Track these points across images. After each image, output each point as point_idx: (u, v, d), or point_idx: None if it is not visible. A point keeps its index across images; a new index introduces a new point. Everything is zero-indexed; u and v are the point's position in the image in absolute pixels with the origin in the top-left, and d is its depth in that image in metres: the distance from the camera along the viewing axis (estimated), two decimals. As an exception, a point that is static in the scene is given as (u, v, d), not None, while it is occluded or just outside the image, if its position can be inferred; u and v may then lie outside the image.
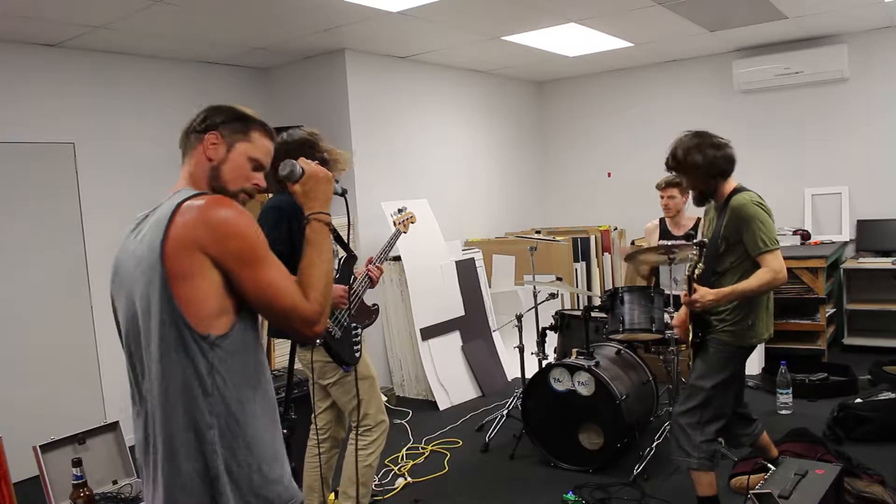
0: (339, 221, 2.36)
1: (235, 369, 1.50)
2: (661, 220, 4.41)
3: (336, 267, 2.57)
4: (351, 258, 2.17)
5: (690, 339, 2.89)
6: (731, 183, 2.87)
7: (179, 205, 1.47)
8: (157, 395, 1.48)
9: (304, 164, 1.69)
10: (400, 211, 3.40)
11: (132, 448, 2.94)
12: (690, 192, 2.96)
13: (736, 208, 2.77)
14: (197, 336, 1.44)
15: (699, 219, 3.99)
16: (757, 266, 2.74)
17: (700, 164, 2.80)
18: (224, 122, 1.62)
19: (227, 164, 1.60)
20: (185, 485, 1.47)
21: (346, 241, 1.95)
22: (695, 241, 2.83)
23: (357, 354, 2.86)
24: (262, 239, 1.50)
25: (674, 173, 2.99)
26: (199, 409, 1.46)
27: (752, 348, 2.90)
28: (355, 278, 2.95)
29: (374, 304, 3.16)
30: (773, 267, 2.70)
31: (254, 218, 1.54)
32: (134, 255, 1.51)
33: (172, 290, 1.42)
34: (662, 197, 4.28)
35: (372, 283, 3.00)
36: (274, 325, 1.55)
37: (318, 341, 2.69)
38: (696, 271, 2.76)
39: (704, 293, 2.72)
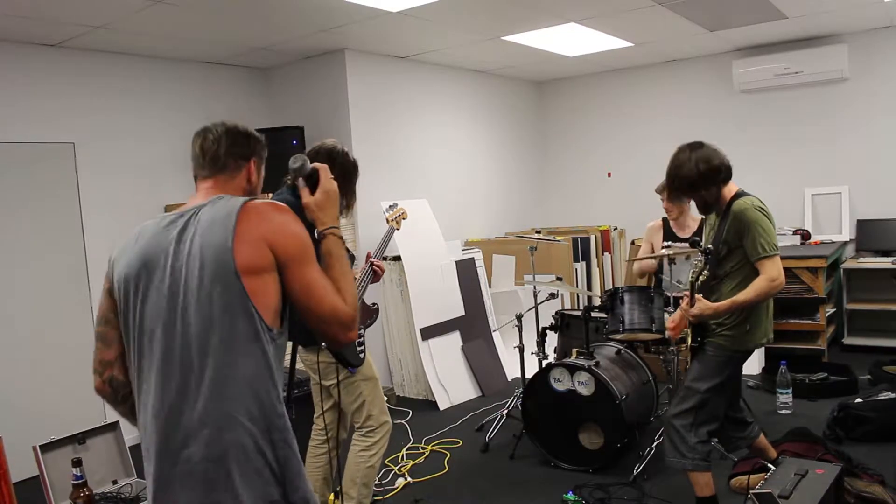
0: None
1: (279, 365, 1.56)
2: (664, 221, 4.34)
3: None
4: (349, 258, 2.17)
5: (689, 343, 2.90)
6: (732, 187, 2.87)
7: (244, 205, 1.54)
8: (221, 387, 1.48)
9: (323, 170, 1.70)
10: (391, 207, 3.37)
11: (132, 448, 2.94)
12: (694, 202, 2.95)
13: (737, 213, 2.77)
14: (266, 327, 1.50)
15: (703, 219, 3.97)
16: (757, 270, 2.75)
17: (705, 179, 2.77)
18: (260, 149, 1.73)
19: (258, 188, 1.73)
20: (254, 477, 1.49)
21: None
22: (700, 247, 2.82)
23: (361, 356, 2.87)
24: (311, 244, 1.59)
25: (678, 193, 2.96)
26: (271, 401, 1.50)
27: (749, 352, 2.91)
28: (354, 278, 2.95)
29: (373, 304, 3.15)
30: (770, 275, 2.70)
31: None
32: (177, 251, 1.53)
33: (245, 285, 1.48)
34: (663, 200, 4.23)
35: (376, 276, 3.01)
36: (313, 328, 1.58)
37: (323, 343, 2.69)
38: (701, 278, 2.75)
39: (704, 309, 2.74)
